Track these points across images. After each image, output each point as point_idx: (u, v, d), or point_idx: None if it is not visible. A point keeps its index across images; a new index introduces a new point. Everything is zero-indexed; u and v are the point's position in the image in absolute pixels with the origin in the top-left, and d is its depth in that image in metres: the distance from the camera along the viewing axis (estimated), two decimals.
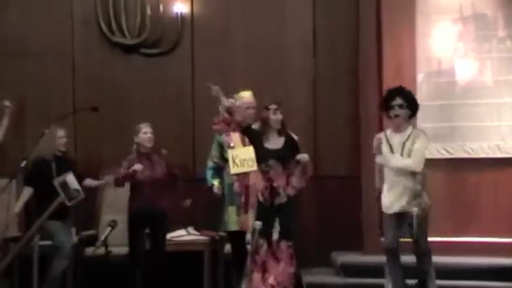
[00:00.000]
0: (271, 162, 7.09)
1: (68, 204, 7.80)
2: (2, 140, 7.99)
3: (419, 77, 8.52)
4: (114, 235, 7.48)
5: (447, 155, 8.39)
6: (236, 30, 9.20)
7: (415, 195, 6.84)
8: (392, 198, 6.92)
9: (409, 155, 6.89)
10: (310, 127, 8.93)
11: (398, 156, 6.88)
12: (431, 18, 8.54)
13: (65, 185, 7.83)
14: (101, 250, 7.22)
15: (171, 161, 8.13)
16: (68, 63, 9.34)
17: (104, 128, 8.93)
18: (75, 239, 7.55)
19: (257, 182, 7.38)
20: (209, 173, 7.89)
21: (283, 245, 7.00)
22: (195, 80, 9.24)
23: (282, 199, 7.09)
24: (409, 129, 6.99)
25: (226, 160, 7.69)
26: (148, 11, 9.20)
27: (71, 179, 7.89)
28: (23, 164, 7.97)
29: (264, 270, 7.00)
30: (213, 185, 7.84)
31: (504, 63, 8.34)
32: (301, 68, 9.12)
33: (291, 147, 7.18)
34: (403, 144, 6.93)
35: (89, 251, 8.28)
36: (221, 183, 7.85)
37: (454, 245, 8.10)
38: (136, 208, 7.91)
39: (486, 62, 8.39)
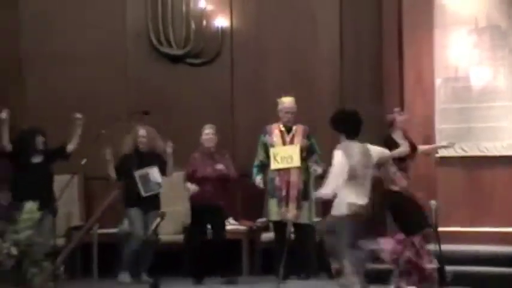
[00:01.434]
0: None
1: (144, 195, 8.03)
2: (74, 148, 8.12)
3: (438, 83, 8.49)
4: (162, 225, 7.51)
5: (463, 154, 8.35)
6: (271, 43, 9.25)
7: None
8: None
9: None
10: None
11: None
12: (449, 29, 8.51)
13: (145, 178, 8.09)
14: (151, 238, 7.57)
15: (229, 162, 8.24)
16: (121, 71, 9.42)
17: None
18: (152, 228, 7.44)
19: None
20: (254, 170, 8.07)
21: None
22: (234, 86, 9.34)
23: None
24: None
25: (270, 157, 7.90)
26: (193, 25, 9.29)
27: (154, 173, 8.11)
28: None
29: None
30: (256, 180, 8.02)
31: None
32: (329, 76, 9.14)
33: None
34: None
35: None
36: (264, 178, 7.99)
37: (471, 234, 8.07)
38: (199, 204, 8.08)
39: (499, 69, 8.32)
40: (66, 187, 7.82)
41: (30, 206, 6.69)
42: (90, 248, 7.24)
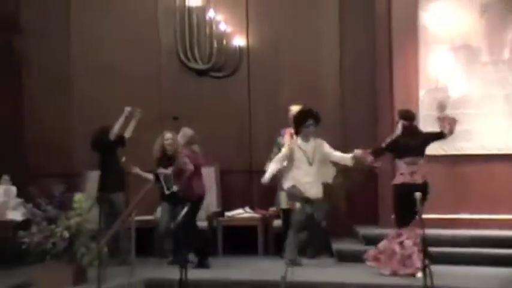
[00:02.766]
0: None
1: (167, 192, 8.03)
2: (130, 136, 8.23)
3: (422, 93, 8.64)
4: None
5: (443, 153, 8.44)
6: (282, 56, 9.38)
7: None
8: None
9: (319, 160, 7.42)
10: (339, 131, 9.00)
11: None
12: (431, 48, 8.66)
13: (167, 177, 8.05)
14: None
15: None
16: (155, 84, 9.66)
17: None
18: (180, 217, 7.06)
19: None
20: (270, 164, 8.00)
21: None
22: (251, 96, 9.52)
23: None
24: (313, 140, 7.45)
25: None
26: (215, 44, 9.51)
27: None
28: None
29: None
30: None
31: (487, 82, 8.45)
32: (331, 87, 9.26)
33: None
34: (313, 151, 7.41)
35: (171, 225, 8.14)
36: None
37: (450, 220, 8.28)
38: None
39: (472, 82, 8.49)
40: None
41: (79, 197, 7.16)
42: (129, 232, 7.56)
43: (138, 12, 9.77)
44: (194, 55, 9.60)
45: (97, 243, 6.88)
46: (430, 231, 6.74)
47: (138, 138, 8.37)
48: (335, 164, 7.77)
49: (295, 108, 8.19)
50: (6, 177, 8.98)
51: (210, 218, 8.84)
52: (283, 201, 8.27)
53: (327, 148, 7.61)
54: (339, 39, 9.26)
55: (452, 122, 7.10)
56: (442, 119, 7.15)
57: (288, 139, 8.19)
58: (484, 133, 8.47)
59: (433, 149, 8.25)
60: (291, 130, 8.20)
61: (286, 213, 8.25)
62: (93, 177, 8.75)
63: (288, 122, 8.33)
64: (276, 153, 8.16)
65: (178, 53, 9.62)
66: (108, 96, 9.57)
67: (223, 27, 9.52)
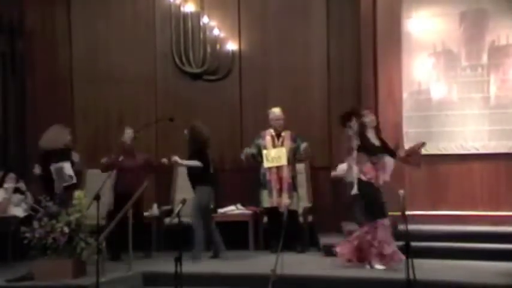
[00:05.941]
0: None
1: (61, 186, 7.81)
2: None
3: (405, 95, 8.69)
4: (184, 209, 7.44)
5: (425, 152, 7.93)
6: (272, 61, 9.36)
7: None
8: None
9: None
10: (325, 130, 9.04)
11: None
12: (413, 53, 8.72)
13: (59, 171, 7.90)
14: (175, 220, 7.15)
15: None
16: (152, 86, 9.61)
17: (177, 133, 8.79)
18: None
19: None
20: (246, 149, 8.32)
21: None
22: (242, 97, 9.46)
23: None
24: None
25: (262, 157, 8.13)
26: (209, 48, 9.44)
27: (67, 166, 7.95)
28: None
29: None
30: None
31: (466, 85, 8.48)
32: (319, 90, 9.23)
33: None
34: None
35: (167, 220, 8.66)
36: (248, 153, 8.26)
37: (430, 216, 8.29)
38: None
39: (452, 85, 8.54)
40: (107, 179, 7.95)
41: (79, 194, 7.15)
42: (126, 227, 7.41)
43: (135, 18, 9.72)
44: (189, 59, 9.54)
45: (95, 238, 6.82)
46: (412, 227, 6.30)
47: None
48: None
49: (276, 110, 8.30)
50: (12, 175, 8.87)
51: None
52: (266, 200, 8.29)
53: None
54: (326, 45, 9.24)
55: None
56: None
57: (269, 141, 8.26)
58: (463, 134, 8.51)
59: None
60: (272, 132, 8.33)
61: (270, 212, 8.28)
62: (92, 176, 8.73)
63: (268, 124, 8.41)
64: (254, 152, 8.25)
65: (173, 57, 9.58)
66: (106, 99, 9.62)
67: (216, 32, 9.47)
